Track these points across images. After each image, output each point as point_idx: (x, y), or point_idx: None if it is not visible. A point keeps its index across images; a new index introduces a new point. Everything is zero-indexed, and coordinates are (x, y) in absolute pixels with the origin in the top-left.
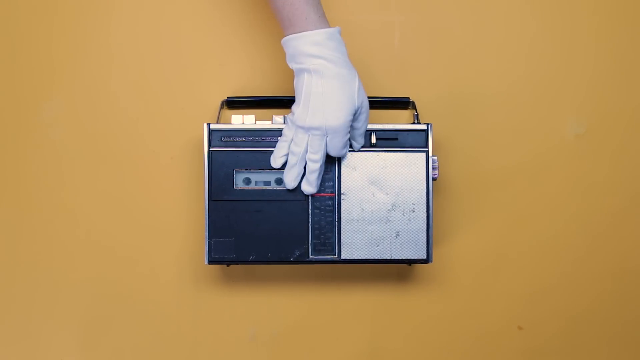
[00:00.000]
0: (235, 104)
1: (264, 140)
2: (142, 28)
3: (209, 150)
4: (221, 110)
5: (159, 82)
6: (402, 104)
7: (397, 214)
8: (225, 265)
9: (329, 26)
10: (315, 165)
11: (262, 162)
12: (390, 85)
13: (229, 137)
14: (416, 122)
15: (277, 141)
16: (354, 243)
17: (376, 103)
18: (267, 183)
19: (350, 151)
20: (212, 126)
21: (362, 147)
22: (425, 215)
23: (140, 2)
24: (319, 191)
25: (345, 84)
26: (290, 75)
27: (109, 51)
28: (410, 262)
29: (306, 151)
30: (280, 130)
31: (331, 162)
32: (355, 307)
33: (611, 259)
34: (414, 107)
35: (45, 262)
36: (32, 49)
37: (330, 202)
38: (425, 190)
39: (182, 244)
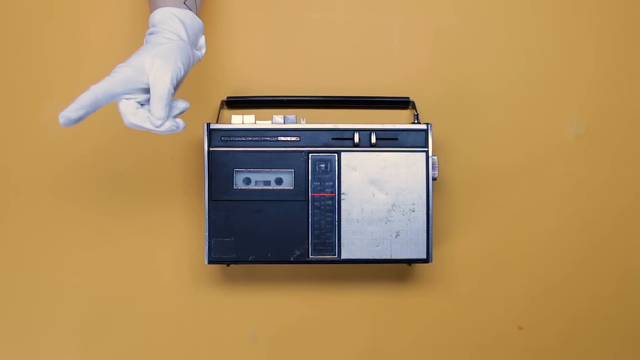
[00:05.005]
0: (235, 103)
1: (264, 140)
2: (141, 27)
3: (209, 150)
4: (221, 110)
5: None
6: (402, 104)
7: (397, 214)
8: (225, 265)
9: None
10: (87, 90)
11: (262, 162)
12: (390, 85)
13: (229, 137)
14: (416, 122)
15: (277, 141)
16: (354, 243)
17: (376, 103)
18: (267, 183)
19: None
20: (212, 126)
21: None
22: (425, 215)
23: (139, 2)
24: (319, 191)
25: (145, 45)
26: (290, 75)
27: (108, 51)
28: (410, 262)
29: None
30: (280, 130)
31: (331, 162)
32: (355, 307)
33: (612, 259)
34: (414, 107)
35: (45, 261)
36: (31, 48)
37: (330, 202)
38: (425, 190)
39: (182, 244)
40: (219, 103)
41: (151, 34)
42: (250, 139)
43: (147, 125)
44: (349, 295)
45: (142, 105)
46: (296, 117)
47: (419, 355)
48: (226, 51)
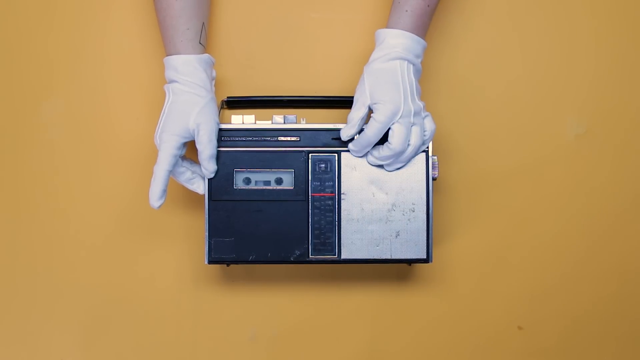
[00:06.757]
0: (235, 103)
1: (264, 140)
2: (140, 28)
3: None
4: (221, 110)
5: (158, 82)
6: None
7: (397, 214)
8: (225, 265)
9: (193, 52)
10: (155, 173)
11: (262, 162)
12: None
13: (229, 137)
14: None
15: (277, 141)
16: (354, 243)
17: None
18: (267, 183)
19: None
20: None
21: (213, 171)
22: (425, 215)
23: (139, 2)
24: (319, 191)
25: (180, 106)
26: (290, 75)
27: (108, 51)
28: (410, 262)
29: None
30: (280, 130)
31: (331, 162)
32: (356, 307)
33: (611, 259)
34: None
35: (44, 261)
36: (31, 49)
37: (330, 202)
38: (425, 190)
39: (182, 244)
40: (218, 103)
41: (174, 81)
42: (250, 139)
43: (189, 187)
44: (349, 295)
45: (180, 156)
46: (296, 117)
47: (418, 355)
48: (226, 51)
